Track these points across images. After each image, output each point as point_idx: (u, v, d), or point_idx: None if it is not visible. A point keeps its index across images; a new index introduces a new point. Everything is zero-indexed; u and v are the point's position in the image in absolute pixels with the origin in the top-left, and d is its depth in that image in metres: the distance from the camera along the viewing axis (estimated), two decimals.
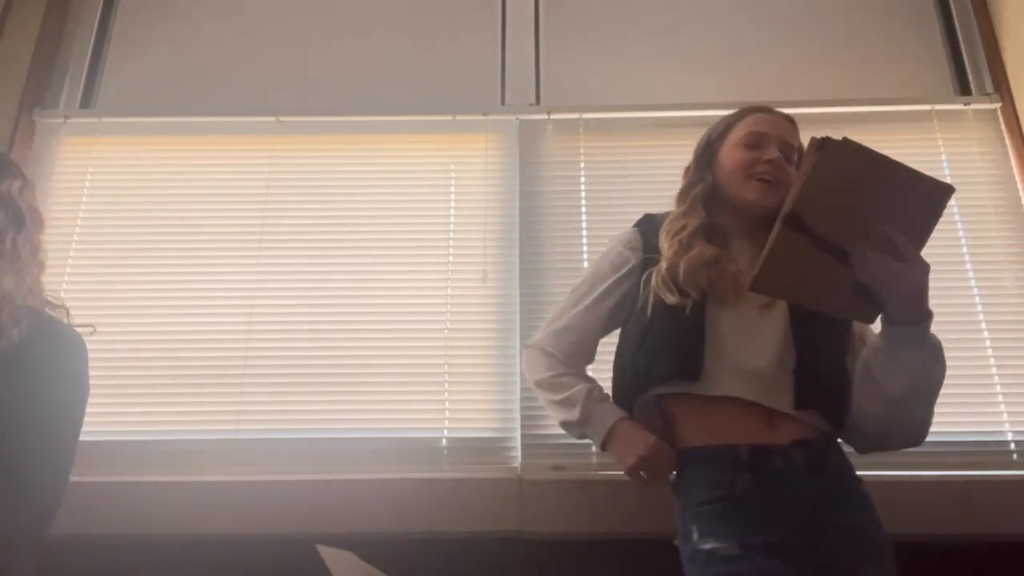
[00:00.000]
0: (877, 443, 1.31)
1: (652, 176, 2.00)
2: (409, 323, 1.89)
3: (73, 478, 1.27)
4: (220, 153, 2.08)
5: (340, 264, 1.95)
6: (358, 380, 1.85)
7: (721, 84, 2.12)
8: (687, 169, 1.50)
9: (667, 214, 1.46)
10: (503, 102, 2.14)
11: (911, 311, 1.18)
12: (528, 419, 1.78)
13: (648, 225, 1.47)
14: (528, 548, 1.62)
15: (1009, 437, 1.76)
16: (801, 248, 1.13)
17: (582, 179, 2.03)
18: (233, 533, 1.61)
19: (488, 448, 1.78)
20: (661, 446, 1.28)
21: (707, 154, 1.46)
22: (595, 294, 1.43)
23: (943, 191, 1.14)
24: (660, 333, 1.31)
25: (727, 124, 1.46)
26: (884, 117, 2.06)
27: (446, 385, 1.84)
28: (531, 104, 2.12)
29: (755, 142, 1.39)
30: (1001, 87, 2.09)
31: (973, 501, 1.62)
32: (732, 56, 2.18)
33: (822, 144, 1.11)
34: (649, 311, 1.32)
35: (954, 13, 2.23)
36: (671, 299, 1.28)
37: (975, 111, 2.07)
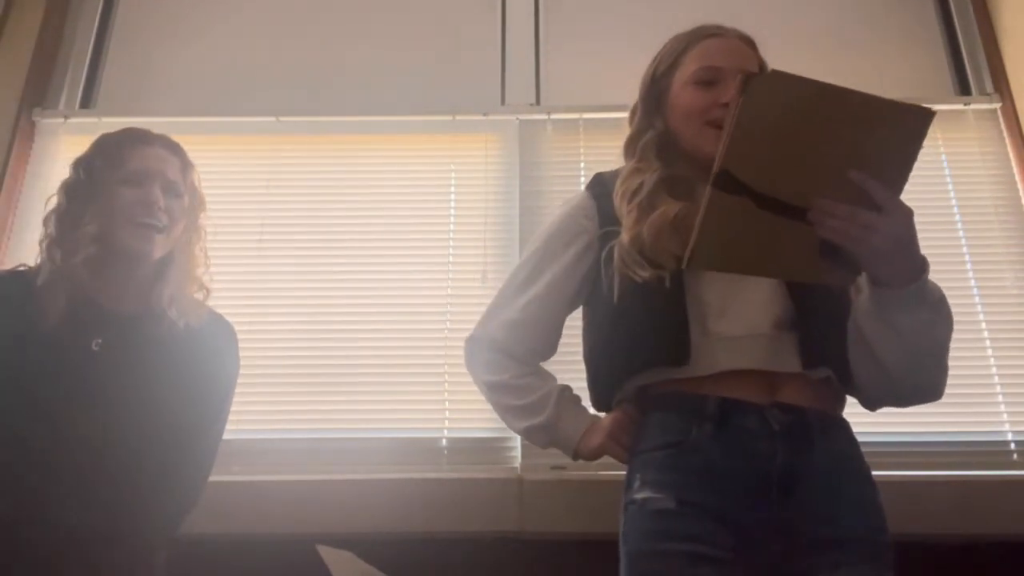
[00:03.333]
0: (886, 403, 1.16)
1: None
2: (409, 323, 1.88)
3: None
4: (220, 153, 2.07)
5: (340, 264, 1.95)
6: (358, 380, 1.85)
7: None
8: (632, 112, 1.29)
9: (618, 172, 1.26)
10: (503, 102, 2.13)
11: (897, 268, 0.99)
12: None
13: (601, 188, 1.26)
14: (528, 548, 1.62)
15: (1009, 437, 1.76)
16: (742, 211, 0.95)
17: (582, 179, 2.01)
18: (234, 533, 1.61)
19: (488, 448, 1.78)
20: (628, 409, 1.16)
21: (654, 93, 1.26)
22: (551, 276, 1.22)
23: (921, 117, 0.94)
24: (634, 316, 1.11)
25: (675, 54, 1.25)
26: None
27: (446, 385, 1.84)
28: (531, 104, 2.12)
29: (709, 78, 1.19)
30: (1001, 87, 2.08)
31: (973, 501, 1.62)
32: None
33: (747, 83, 0.91)
34: (617, 293, 1.12)
35: (954, 13, 2.23)
36: (642, 275, 1.09)
37: (975, 111, 2.06)
